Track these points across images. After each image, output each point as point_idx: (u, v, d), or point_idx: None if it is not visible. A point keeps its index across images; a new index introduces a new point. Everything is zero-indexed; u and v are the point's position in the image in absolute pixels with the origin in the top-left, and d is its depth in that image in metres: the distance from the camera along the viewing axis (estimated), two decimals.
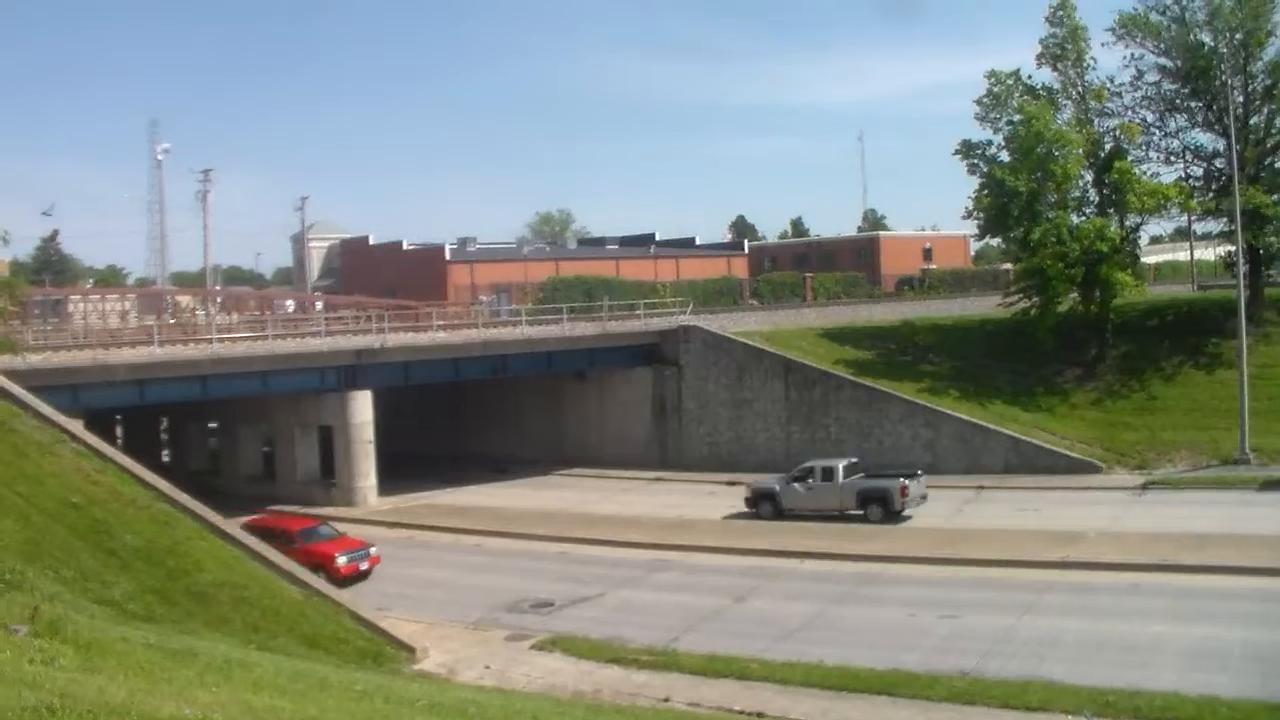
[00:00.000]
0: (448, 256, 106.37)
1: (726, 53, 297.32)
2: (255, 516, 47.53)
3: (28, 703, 9.44)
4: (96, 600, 27.92)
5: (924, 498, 50.25)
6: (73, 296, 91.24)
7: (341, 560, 43.32)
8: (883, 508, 49.07)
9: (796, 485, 51.65)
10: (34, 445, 37.43)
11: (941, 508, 50.45)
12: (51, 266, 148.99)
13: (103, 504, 34.78)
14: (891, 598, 37.13)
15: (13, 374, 41.03)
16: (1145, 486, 52.21)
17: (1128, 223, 66.61)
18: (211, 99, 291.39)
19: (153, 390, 54.22)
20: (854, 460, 52.68)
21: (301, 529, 45.72)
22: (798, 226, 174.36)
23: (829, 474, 50.85)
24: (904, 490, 48.85)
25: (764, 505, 51.97)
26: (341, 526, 55.38)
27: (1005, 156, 66.63)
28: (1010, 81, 66.72)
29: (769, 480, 53.69)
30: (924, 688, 27.62)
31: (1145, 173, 66.50)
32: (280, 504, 59.69)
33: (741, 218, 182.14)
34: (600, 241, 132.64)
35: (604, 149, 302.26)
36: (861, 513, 49.53)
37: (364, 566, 44.24)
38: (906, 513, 49.14)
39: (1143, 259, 73.79)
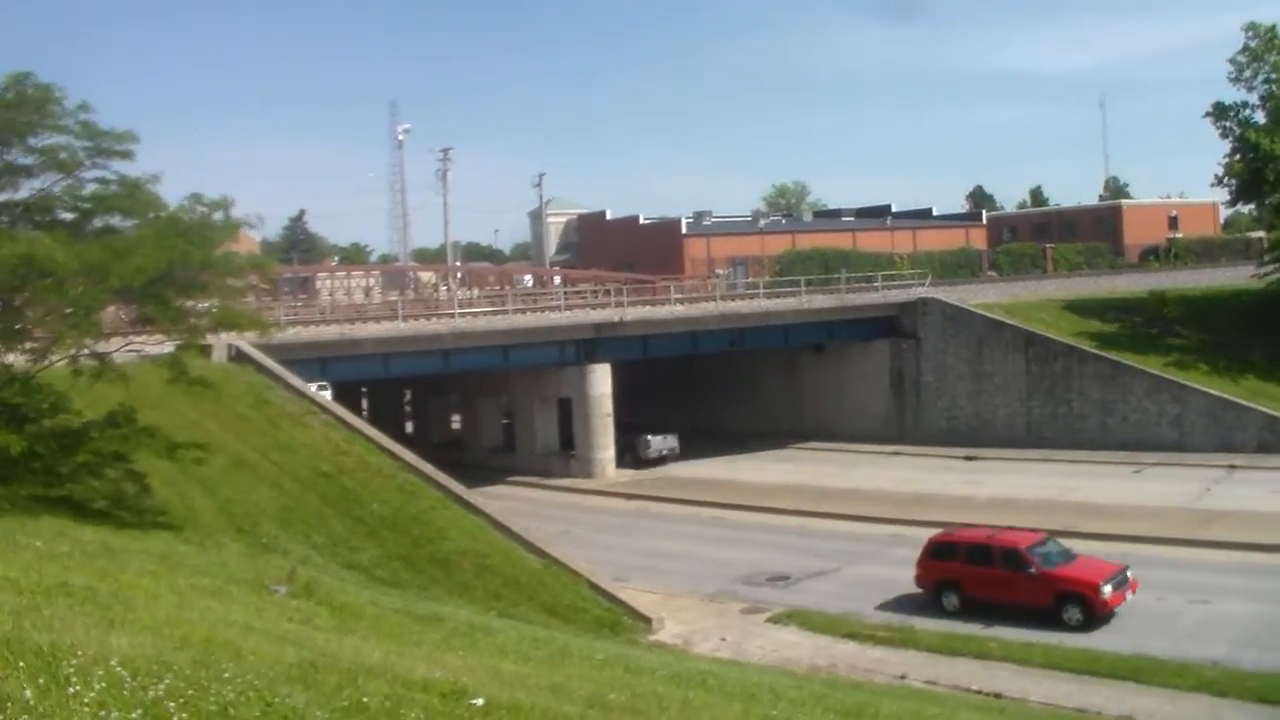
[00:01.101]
0: (684, 230, 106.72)
1: (963, 20, 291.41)
2: (945, 532, 37.65)
3: (291, 659, 9.79)
4: (346, 565, 28.96)
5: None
6: (320, 274, 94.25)
7: (1107, 590, 32.42)
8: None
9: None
10: (286, 416, 38.96)
11: (1181, 486, 48.93)
12: (299, 245, 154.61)
13: (351, 473, 36.00)
14: (1140, 580, 36.02)
15: (266, 348, 42.58)
16: None
17: None
18: (450, 78, 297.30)
19: (397, 364, 55.77)
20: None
21: (1031, 546, 34.47)
22: (1036, 196, 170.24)
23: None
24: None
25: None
26: (579, 498, 56.47)
27: (1261, 118, 63.94)
28: (1269, 36, 63.81)
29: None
30: (1173, 676, 26.63)
31: None
32: (520, 475, 61.14)
33: (979, 188, 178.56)
34: (836, 213, 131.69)
35: (839, 120, 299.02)
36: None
37: (1128, 596, 33.25)
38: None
39: None
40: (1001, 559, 34.07)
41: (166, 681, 7.77)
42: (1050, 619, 32.23)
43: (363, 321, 57.68)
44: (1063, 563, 33.82)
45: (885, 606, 35.09)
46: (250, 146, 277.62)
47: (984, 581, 34.08)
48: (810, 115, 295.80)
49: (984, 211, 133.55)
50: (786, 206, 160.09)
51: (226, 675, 8.32)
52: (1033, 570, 33.16)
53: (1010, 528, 37.59)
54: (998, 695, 26.01)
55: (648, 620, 33.00)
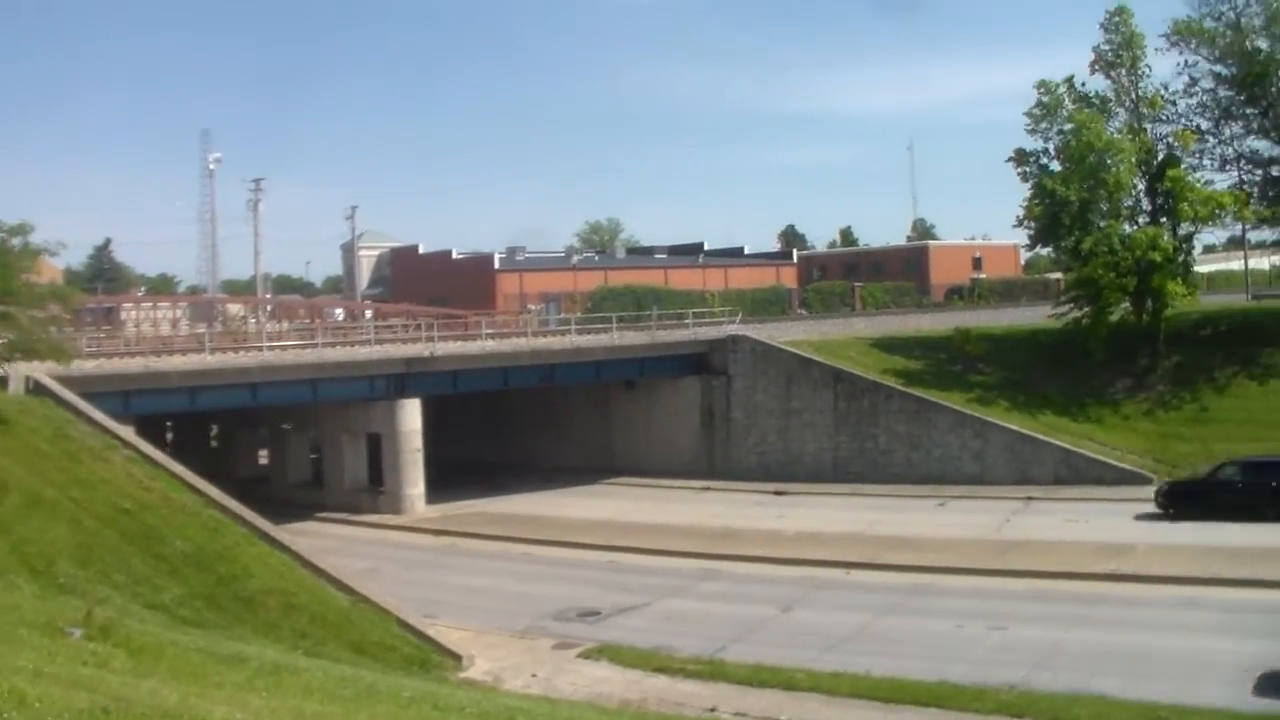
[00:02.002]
0: (497, 265, 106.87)
1: (777, 62, 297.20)
2: None
3: (82, 705, 9.48)
4: (147, 605, 28.14)
5: None
6: (125, 304, 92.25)
7: None
8: None
9: None
10: (87, 451, 37.79)
11: (983, 518, 50.37)
12: (104, 274, 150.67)
13: (154, 509, 35.04)
14: (940, 609, 36.78)
15: (66, 380, 41.39)
16: None
17: (1181, 231, 65.80)
18: (264, 108, 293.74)
19: (203, 397, 54.58)
20: None
21: None
22: (847, 236, 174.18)
23: None
24: None
25: None
26: (388, 534, 55.80)
27: (1057, 166, 66.23)
28: (1061, 90, 66.23)
29: None
30: (972, 700, 27.23)
31: (1199, 180, 65.91)
32: (328, 511, 60.25)
33: (791, 227, 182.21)
34: (649, 251, 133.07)
35: (653, 158, 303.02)
36: None
37: None
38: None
39: (1196, 268, 73.00)
40: None
41: None
42: None
43: (169, 354, 56.41)
44: None
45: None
46: (53, 173, 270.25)
47: None
48: (624, 153, 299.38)
49: (795, 250, 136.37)
50: (600, 243, 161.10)
51: None
52: None
53: None
54: None
55: (458, 657, 32.68)
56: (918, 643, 33.15)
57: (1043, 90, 66.31)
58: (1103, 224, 64.26)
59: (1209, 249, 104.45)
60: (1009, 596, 37.73)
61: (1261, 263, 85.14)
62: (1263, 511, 44.93)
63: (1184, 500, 47.98)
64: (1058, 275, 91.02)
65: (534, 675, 31.65)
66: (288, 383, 56.43)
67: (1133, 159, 63.80)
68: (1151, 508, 48.90)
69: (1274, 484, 46.41)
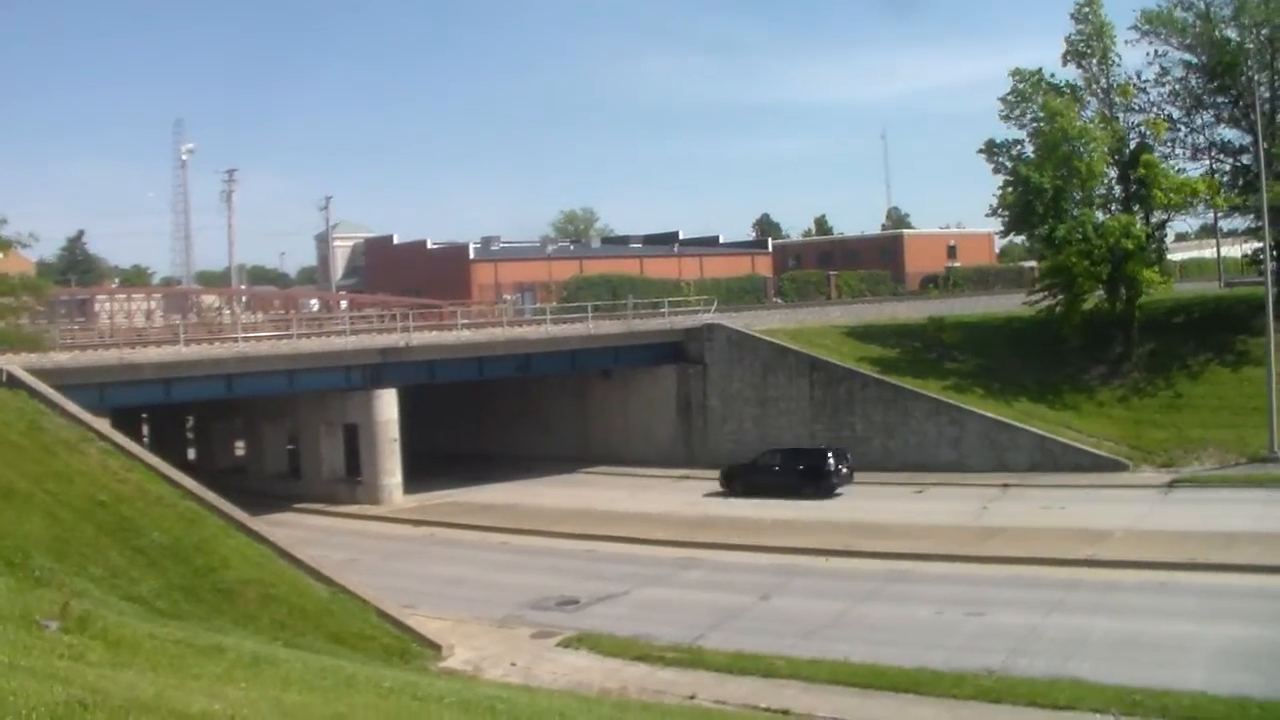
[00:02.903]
0: (472, 255, 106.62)
1: (751, 51, 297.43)
2: None
3: (59, 698, 9.43)
4: (124, 597, 28.02)
5: None
6: (99, 296, 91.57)
7: None
8: None
9: None
10: (62, 444, 37.66)
11: (960, 505, 50.47)
12: (77, 266, 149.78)
13: (130, 502, 34.92)
14: (918, 595, 36.90)
15: (40, 373, 41.21)
16: (1172, 484, 51.71)
17: (1153, 219, 66.01)
18: (237, 99, 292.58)
19: (179, 389, 54.36)
20: None
21: None
22: (821, 225, 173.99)
23: None
24: None
25: None
26: (366, 525, 55.72)
27: (1030, 152, 66.37)
28: (1034, 79, 66.39)
29: None
30: (950, 686, 27.40)
31: (1172, 168, 66.12)
32: (306, 501, 60.10)
33: (766, 216, 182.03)
34: (624, 240, 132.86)
35: (628, 147, 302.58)
36: None
37: None
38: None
39: (1169, 256, 73.28)
40: None
41: None
42: None
43: (143, 346, 56.19)
44: None
45: None
46: (25, 164, 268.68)
47: None
48: (600, 144, 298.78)
49: (770, 239, 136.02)
50: (575, 233, 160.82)
51: None
52: None
53: None
54: (785, 712, 26.33)
55: (437, 647, 32.65)
56: (896, 629, 33.29)
57: (1018, 78, 66.46)
58: (1076, 212, 64.46)
59: (1181, 237, 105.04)
60: (988, 583, 37.91)
61: (1234, 250, 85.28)
62: (796, 489, 54.64)
63: (736, 480, 57.80)
64: (1032, 263, 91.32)
65: (513, 664, 31.68)
66: (264, 373, 56.25)
67: (1105, 147, 64.00)
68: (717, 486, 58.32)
69: (802, 468, 56.21)
